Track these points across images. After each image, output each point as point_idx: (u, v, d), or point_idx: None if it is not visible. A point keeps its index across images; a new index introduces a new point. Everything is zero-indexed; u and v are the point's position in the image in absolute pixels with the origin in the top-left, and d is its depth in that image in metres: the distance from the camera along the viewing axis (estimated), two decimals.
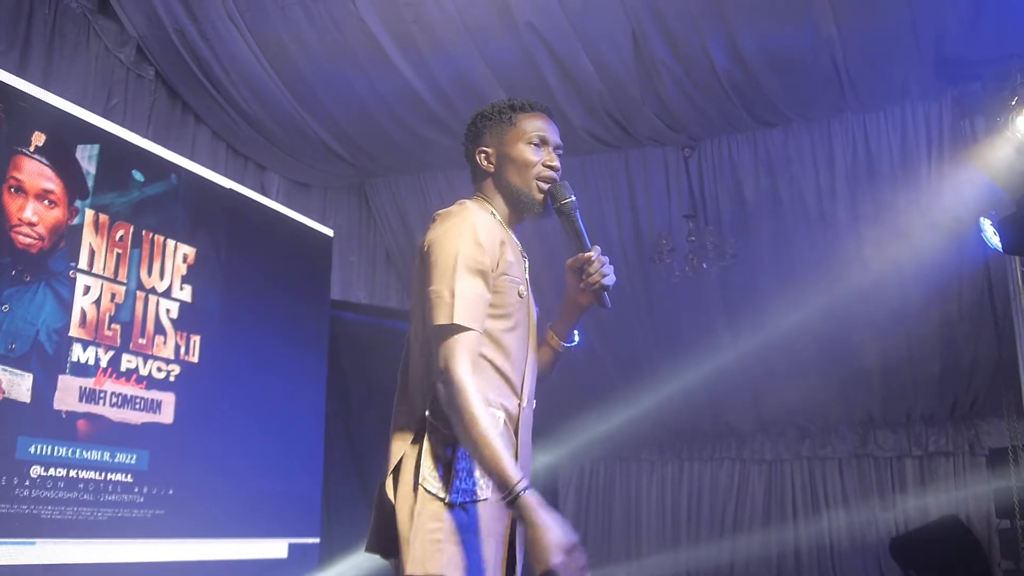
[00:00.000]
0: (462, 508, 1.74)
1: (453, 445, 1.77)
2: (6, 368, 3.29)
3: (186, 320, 4.07)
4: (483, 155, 2.03)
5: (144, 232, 3.93)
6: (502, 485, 1.64)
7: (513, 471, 1.64)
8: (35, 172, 3.49)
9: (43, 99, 3.61)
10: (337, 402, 5.27)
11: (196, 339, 4.12)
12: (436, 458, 1.77)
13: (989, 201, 4.58)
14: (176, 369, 4.00)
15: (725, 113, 5.11)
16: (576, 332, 2.16)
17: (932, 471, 6.90)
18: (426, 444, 1.79)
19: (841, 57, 4.46)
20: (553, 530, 1.58)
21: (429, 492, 1.74)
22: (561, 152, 2.06)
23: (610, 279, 2.01)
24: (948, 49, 4.38)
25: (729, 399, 6.97)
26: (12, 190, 3.40)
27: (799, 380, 6.58)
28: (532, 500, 1.61)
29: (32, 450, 3.36)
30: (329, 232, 5.33)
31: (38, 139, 3.50)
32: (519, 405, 1.89)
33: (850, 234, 5.73)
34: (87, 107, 4.55)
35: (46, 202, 3.52)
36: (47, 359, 3.45)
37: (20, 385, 3.33)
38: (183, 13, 4.80)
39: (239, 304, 4.37)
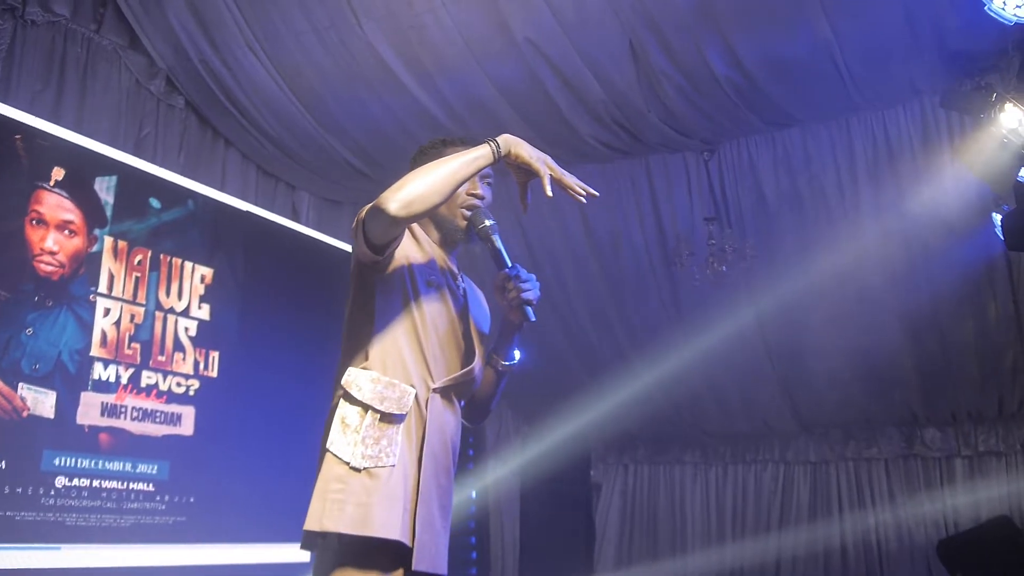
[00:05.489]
0: (367, 473, 1.84)
1: (362, 411, 1.89)
2: (30, 387, 3.57)
3: (205, 337, 4.32)
4: None
5: (162, 256, 4.19)
6: (485, 156, 1.93)
7: (472, 151, 1.94)
8: (55, 204, 3.77)
9: (61, 136, 3.88)
10: None
11: (215, 355, 4.36)
12: (344, 424, 1.89)
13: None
14: (195, 384, 4.25)
15: (734, 118, 5.12)
16: (516, 351, 2.24)
17: (983, 471, 6.71)
18: (338, 410, 1.92)
19: (841, 58, 4.43)
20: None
21: (335, 456, 1.86)
22: (490, 182, 2.18)
23: (531, 294, 2.08)
24: (953, 42, 4.31)
25: (764, 401, 6.93)
26: (34, 222, 3.69)
27: (834, 380, 6.51)
28: (507, 136, 1.98)
29: (56, 462, 3.63)
30: (347, 247, 5.54)
31: (57, 174, 3.79)
32: (430, 387, 1.98)
33: (875, 231, 5.65)
34: (120, 138, 4.87)
35: (66, 232, 3.81)
36: (70, 377, 3.72)
37: (44, 402, 3.61)
38: (206, 44, 5.08)
39: (257, 319, 4.61)
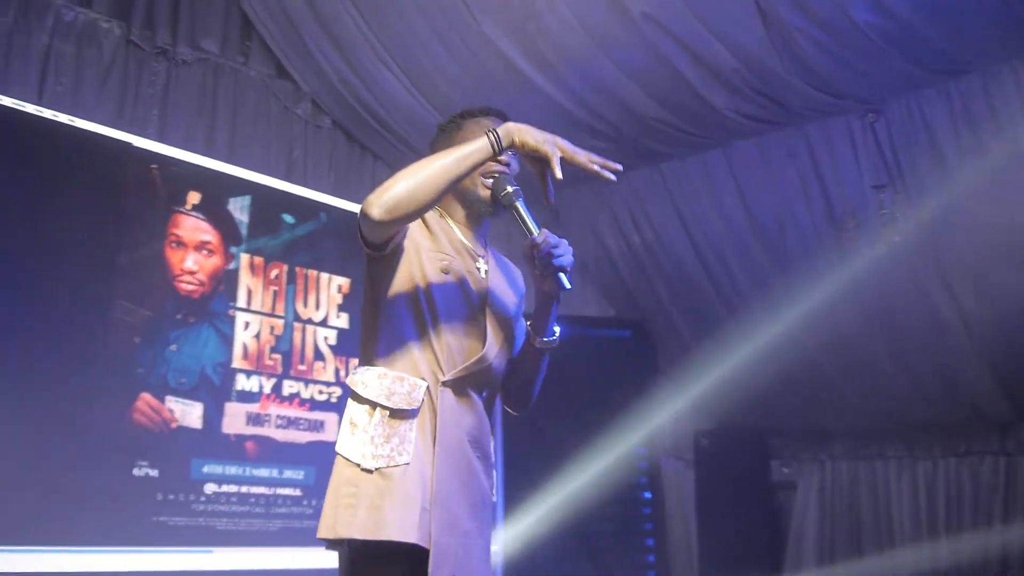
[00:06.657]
0: (380, 474, 1.76)
1: (369, 409, 1.82)
2: (177, 399, 3.80)
3: (344, 345, 4.43)
4: None
5: (298, 269, 4.35)
6: (482, 151, 1.85)
7: (469, 145, 1.87)
8: (192, 227, 4.01)
9: (194, 161, 4.12)
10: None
11: (355, 362, 4.45)
12: (352, 424, 1.83)
13: None
14: (337, 391, 4.36)
15: (890, 70, 4.59)
16: (556, 327, 2.09)
17: None
18: (347, 410, 1.87)
19: None
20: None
21: (345, 458, 1.81)
22: (512, 151, 2.06)
23: (563, 259, 1.95)
24: None
25: (971, 385, 6.17)
26: (173, 245, 3.94)
27: None
28: (510, 124, 1.91)
29: (205, 470, 3.84)
30: None
31: (193, 198, 4.02)
32: (440, 380, 1.87)
33: None
34: (271, 163, 5.12)
35: (204, 252, 4.03)
36: (214, 389, 3.93)
37: (191, 414, 3.83)
38: (343, 64, 5.26)
39: None
